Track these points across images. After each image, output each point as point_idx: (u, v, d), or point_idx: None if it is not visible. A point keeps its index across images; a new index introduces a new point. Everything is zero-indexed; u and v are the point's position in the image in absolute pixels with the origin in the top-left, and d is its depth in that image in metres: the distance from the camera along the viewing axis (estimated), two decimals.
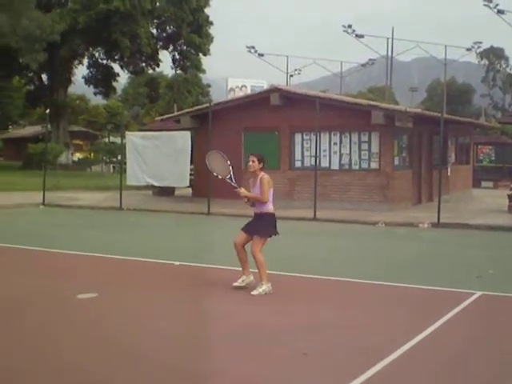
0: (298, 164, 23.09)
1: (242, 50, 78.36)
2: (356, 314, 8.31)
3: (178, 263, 11.72)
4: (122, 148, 25.65)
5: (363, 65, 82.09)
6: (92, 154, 55.81)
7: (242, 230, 9.58)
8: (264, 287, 9.22)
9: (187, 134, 22.83)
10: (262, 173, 9.50)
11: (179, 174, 22.55)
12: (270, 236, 9.51)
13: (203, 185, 22.05)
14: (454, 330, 7.74)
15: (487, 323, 8.11)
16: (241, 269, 9.59)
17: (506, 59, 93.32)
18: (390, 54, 63.38)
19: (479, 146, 40.25)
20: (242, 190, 9.50)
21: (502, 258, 13.27)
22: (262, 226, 9.43)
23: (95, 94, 52.90)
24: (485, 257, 13.42)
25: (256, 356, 6.51)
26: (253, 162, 9.48)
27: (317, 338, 7.16)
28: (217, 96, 50.04)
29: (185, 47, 49.01)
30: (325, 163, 22.18)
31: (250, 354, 6.60)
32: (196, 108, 26.25)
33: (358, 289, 10.11)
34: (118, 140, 34.34)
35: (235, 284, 9.50)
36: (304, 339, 7.05)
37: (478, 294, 9.42)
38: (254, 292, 9.17)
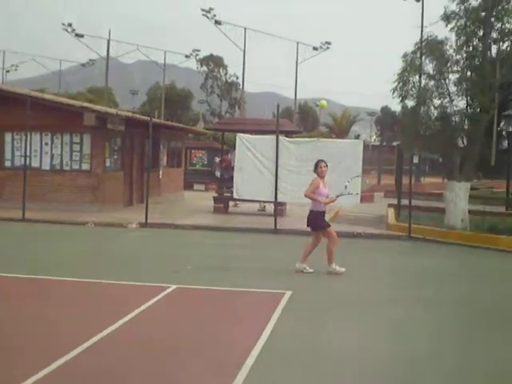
0: (7, 164, 22.50)
1: None
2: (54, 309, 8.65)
3: None
4: None
5: (83, 64, 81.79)
6: None
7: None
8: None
9: None
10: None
11: None
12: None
13: None
14: (147, 317, 8.46)
15: (178, 310, 9.08)
16: None
17: (225, 67, 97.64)
18: (108, 55, 63.81)
19: (193, 151, 42.02)
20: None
21: (201, 255, 14.31)
22: None
23: None
24: (186, 254, 14.39)
25: None
26: (325, 167, 11.89)
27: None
28: None
29: None
30: (36, 163, 21.89)
31: None
32: None
33: (55, 286, 10.44)
34: None
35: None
36: None
37: (173, 287, 10.24)
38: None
